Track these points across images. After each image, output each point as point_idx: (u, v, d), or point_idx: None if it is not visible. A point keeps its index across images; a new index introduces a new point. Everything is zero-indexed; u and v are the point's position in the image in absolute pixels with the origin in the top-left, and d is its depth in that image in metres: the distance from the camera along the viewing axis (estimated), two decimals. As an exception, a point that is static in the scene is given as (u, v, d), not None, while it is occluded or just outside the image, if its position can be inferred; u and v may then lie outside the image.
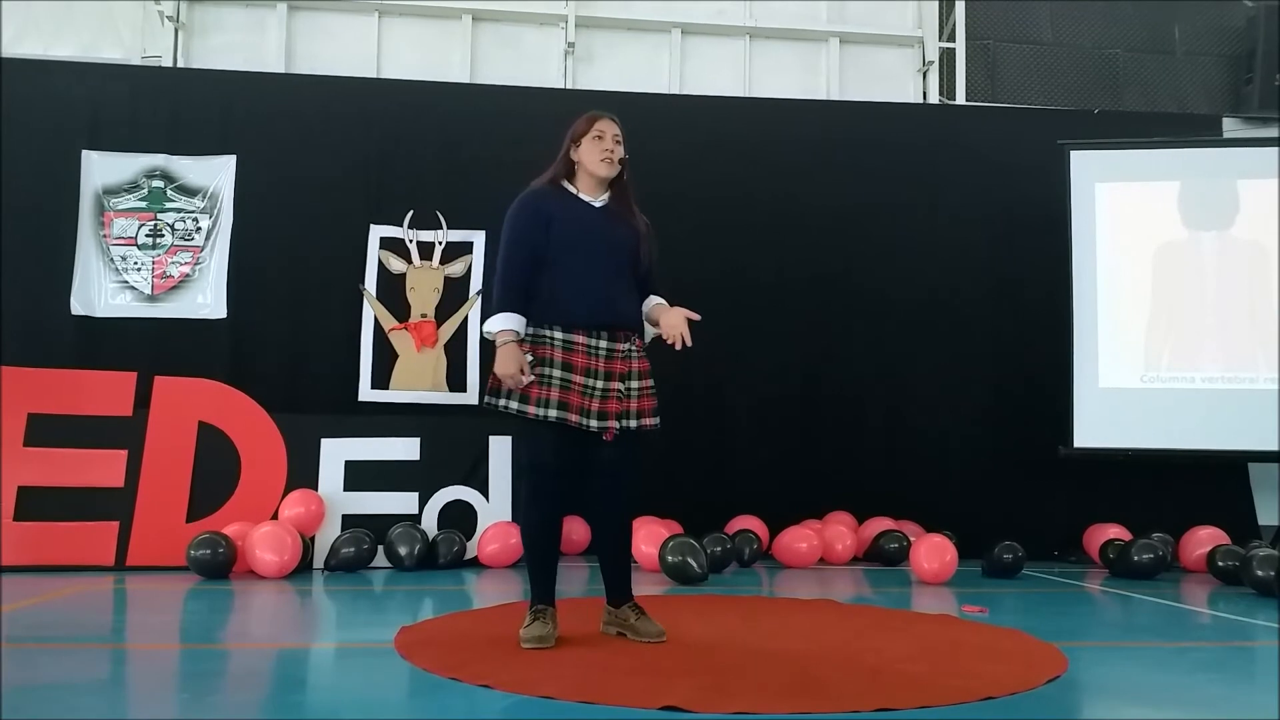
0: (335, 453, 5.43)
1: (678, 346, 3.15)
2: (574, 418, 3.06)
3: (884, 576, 5.33)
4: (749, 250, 6.36)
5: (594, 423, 3.08)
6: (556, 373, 3.08)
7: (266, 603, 4.17)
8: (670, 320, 3.18)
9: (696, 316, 3.20)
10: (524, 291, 3.12)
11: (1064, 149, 6.31)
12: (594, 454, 3.14)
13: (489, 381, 3.16)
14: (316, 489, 5.31)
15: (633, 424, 3.14)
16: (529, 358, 3.07)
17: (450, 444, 5.56)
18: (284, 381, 6.05)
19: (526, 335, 3.12)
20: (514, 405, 3.08)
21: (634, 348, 3.21)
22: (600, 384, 3.11)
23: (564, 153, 3.30)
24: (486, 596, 4.40)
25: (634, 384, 3.17)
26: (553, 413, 3.04)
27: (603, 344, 3.14)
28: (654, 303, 3.31)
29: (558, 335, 3.12)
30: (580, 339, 3.12)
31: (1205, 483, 6.27)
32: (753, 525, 5.85)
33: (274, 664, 3.01)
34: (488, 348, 6.11)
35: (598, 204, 3.26)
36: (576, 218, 3.20)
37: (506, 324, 3.08)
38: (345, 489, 5.37)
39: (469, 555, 5.35)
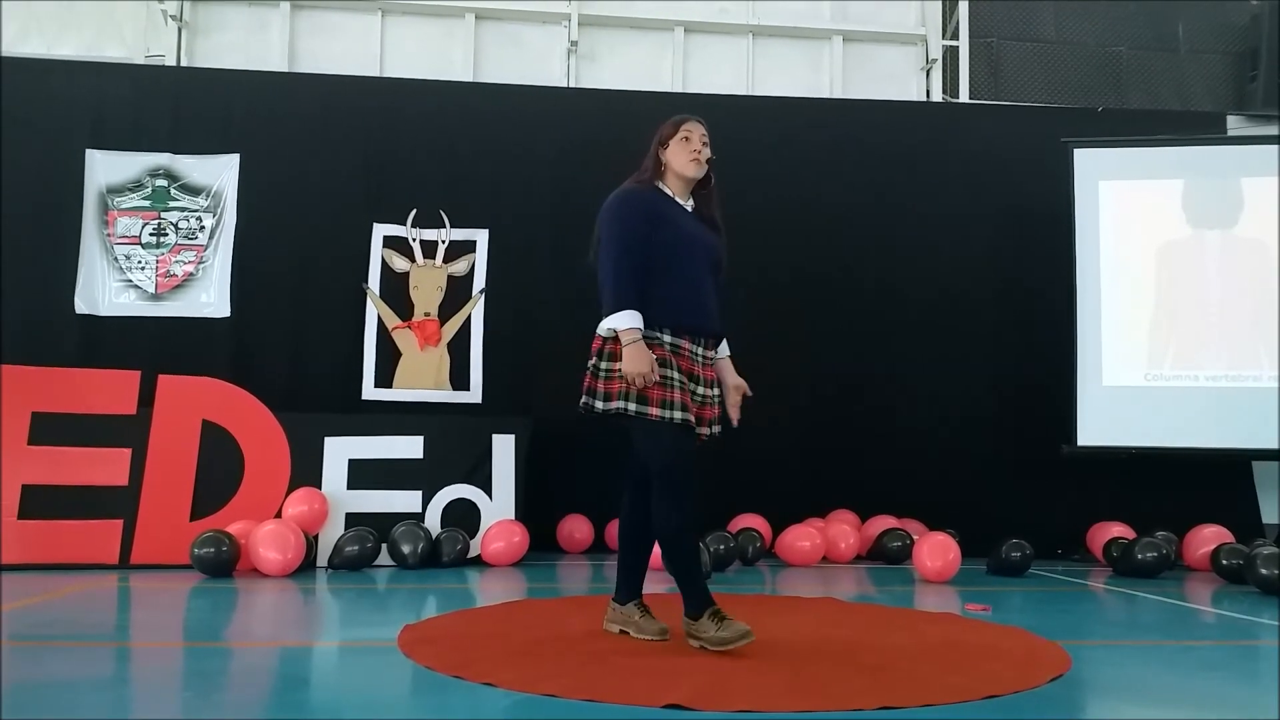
0: (339, 451, 5.44)
1: (735, 424, 3.28)
2: (690, 419, 3.05)
3: (887, 575, 5.32)
4: (752, 249, 6.32)
5: (700, 428, 3.12)
6: (674, 374, 3.03)
7: (270, 601, 4.18)
8: (736, 401, 3.30)
9: (749, 393, 3.33)
10: (638, 291, 3.03)
11: (1068, 147, 6.30)
12: None
13: (586, 382, 3.07)
14: (320, 487, 5.32)
15: (717, 429, 3.21)
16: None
17: (453, 442, 5.57)
18: (287, 380, 6.07)
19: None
20: (632, 407, 2.98)
21: (713, 355, 3.26)
22: (701, 389, 3.14)
23: (652, 155, 3.25)
24: (490, 595, 4.40)
25: (715, 391, 3.22)
26: (678, 414, 2.99)
27: (700, 350, 3.16)
28: (724, 354, 3.37)
29: (666, 338, 3.07)
30: (685, 344, 3.11)
31: (1209, 481, 6.25)
32: (756, 523, 5.86)
33: (277, 662, 3.01)
34: (491, 347, 6.28)
35: (689, 207, 3.26)
36: (678, 221, 3.17)
37: (632, 321, 2.98)
38: (349, 487, 5.38)
39: (472, 553, 5.35)
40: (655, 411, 2.98)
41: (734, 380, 3.33)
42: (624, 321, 2.99)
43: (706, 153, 3.22)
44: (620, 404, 2.99)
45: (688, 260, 3.11)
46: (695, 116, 3.27)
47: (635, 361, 2.96)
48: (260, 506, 5.20)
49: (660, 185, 3.24)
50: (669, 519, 3.05)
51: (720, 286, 3.29)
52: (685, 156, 3.19)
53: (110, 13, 6.80)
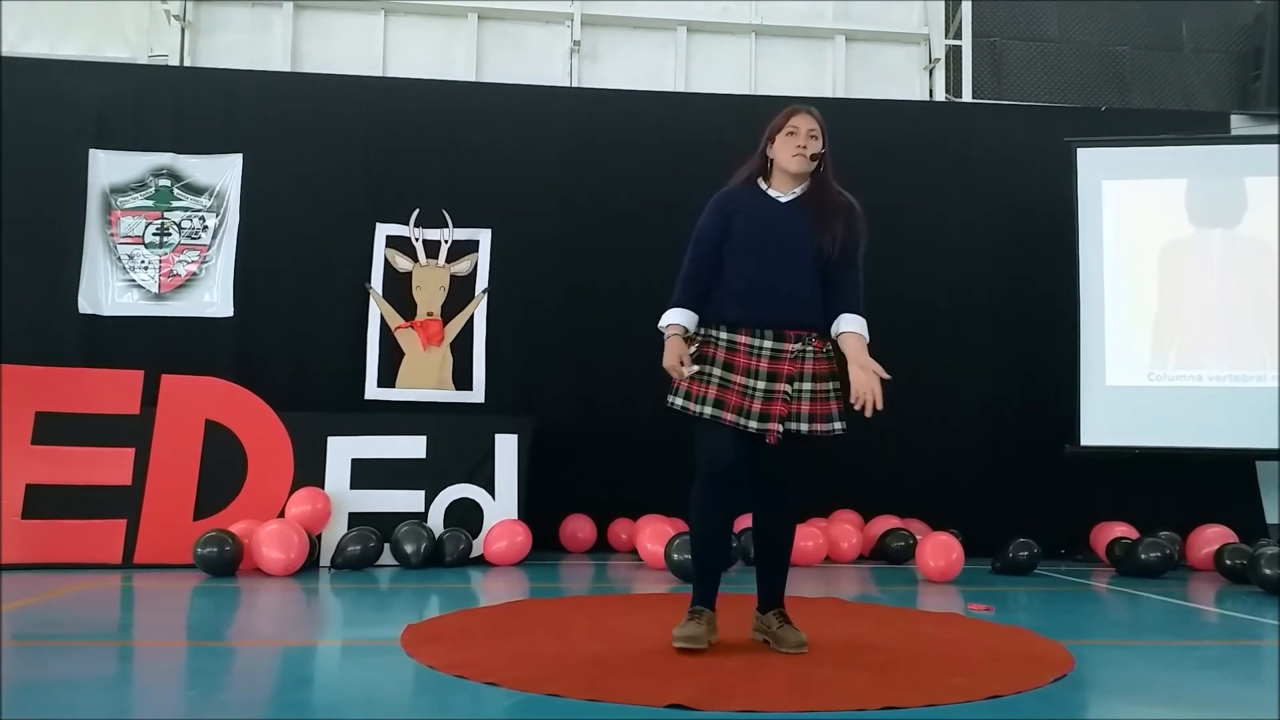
0: (342, 451, 5.44)
1: (867, 413, 2.95)
2: (729, 416, 2.96)
3: (890, 575, 5.32)
4: (755, 248, 6.34)
5: (754, 424, 2.95)
6: (717, 371, 3.01)
7: (273, 600, 4.18)
8: (861, 381, 2.96)
9: (887, 376, 2.99)
10: (696, 289, 3.09)
11: (1071, 146, 6.29)
12: (758, 458, 3.04)
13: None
14: (323, 487, 5.32)
15: (802, 427, 2.99)
16: (691, 350, 3.04)
17: (456, 442, 5.57)
18: (290, 380, 6.07)
19: (698, 334, 3.08)
20: (679, 402, 3.02)
21: (810, 347, 3.05)
22: (761, 385, 2.98)
23: (760, 149, 3.19)
24: (493, 594, 4.40)
25: (805, 385, 3.01)
26: (708, 410, 2.97)
27: (766, 344, 3.02)
28: (844, 329, 3.08)
29: (722, 335, 3.05)
30: (743, 339, 3.03)
31: (1212, 481, 6.25)
32: (758, 523, 5.85)
33: (280, 662, 3.01)
34: (494, 346, 6.29)
35: (785, 199, 3.14)
36: (755, 214, 3.10)
37: (672, 319, 3.07)
38: (351, 487, 5.39)
39: (475, 553, 5.35)
40: (691, 406, 3.00)
41: (857, 361, 3.01)
42: (665, 320, 3.08)
43: (814, 147, 3.10)
44: (672, 398, 3.05)
45: (756, 251, 3.05)
46: (808, 109, 3.16)
47: (665, 356, 3.04)
48: (263, 506, 5.20)
49: (759, 181, 3.19)
50: (694, 514, 3.09)
51: (835, 271, 3.14)
52: (788, 151, 3.11)
53: (113, 13, 6.81)
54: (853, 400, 2.98)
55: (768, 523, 3.18)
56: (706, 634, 3.02)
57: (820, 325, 3.11)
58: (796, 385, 3.01)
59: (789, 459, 3.07)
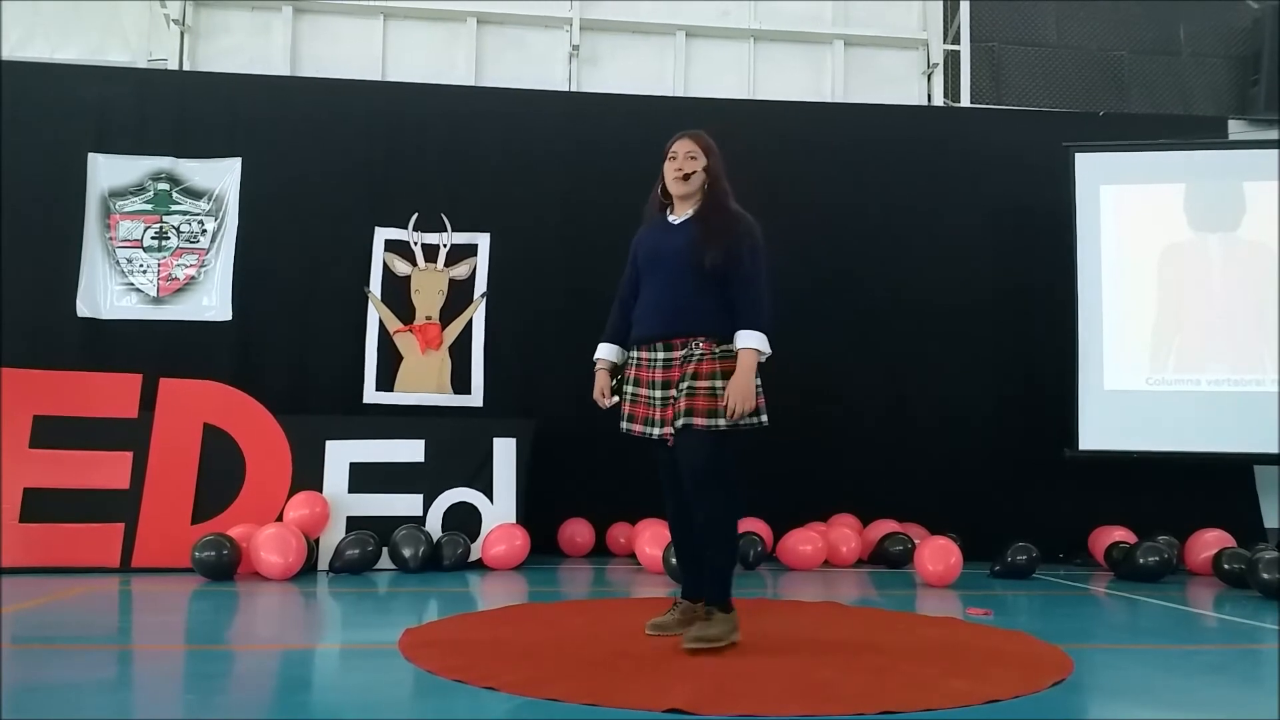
0: (340, 454, 5.44)
1: (733, 415, 3.07)
2: (636, 428, 3.27)
3: (889, 579, 5.32)
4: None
5: (655, 430, 3.21)
6: (629, 389, 3.31)
7: (271, 604, 4.18)
8: (728, 392, 3.08)
9: (739, 412, 3.07)
10: (618, 322, 3.41)
11: (1069, 151, 6.30)
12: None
13: None
14: (321, 491, 5.32)
15: (679, 422, 3.12)
16: (615, 381, 3.38)
17: (455, 446, 5.57)
18: (289, 383, 6.07)
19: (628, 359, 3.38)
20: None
21: (698, 351, 3.16)
22: (658, 394, 3.23)
23: (659, 180, 3.41)
24: (491, 598, 4.40)
25: (685, 384, 3.13)
26: (624, 425, 3.31)
27: (659, 355, 3.25)
28: (737, 346, 3.13)
29: (633, 354, 3.34)
30: (644, 355, 3.29)
31: (1211, 485, 6.25)
32: (757, 527, 5.84)
33: (278, 665, 3.01)
34: (492, 350, 6.27)
35: (678, 221, 3.32)
36: (650, 241, 3.35)
37: (598, 354, 3.42)
38: (350, 491, 5.38)
39: (473, 557, 5.35)
40: (622, 424, 3.33)
41: (732, 377, 3.11)
42: (596, 354, 3.42)
43: (690, 166, 3.30)
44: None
45: (647, 275, 3.32)
46: (689, 132, 3.39)
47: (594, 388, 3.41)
48: (261, 510, 5.20)
49: (667, 211, 3.38)
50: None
51: (728, 279, 3.17)
52: (670, 175, 3.33)
53: (114, 17, 6.81)
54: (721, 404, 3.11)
55: (696, 522, 3.25)
56: (674, 623, 3.27)
57: (708, 330, 3.19)
58: (681, 386, 3.17)
59: (689, 457, 3.13)
